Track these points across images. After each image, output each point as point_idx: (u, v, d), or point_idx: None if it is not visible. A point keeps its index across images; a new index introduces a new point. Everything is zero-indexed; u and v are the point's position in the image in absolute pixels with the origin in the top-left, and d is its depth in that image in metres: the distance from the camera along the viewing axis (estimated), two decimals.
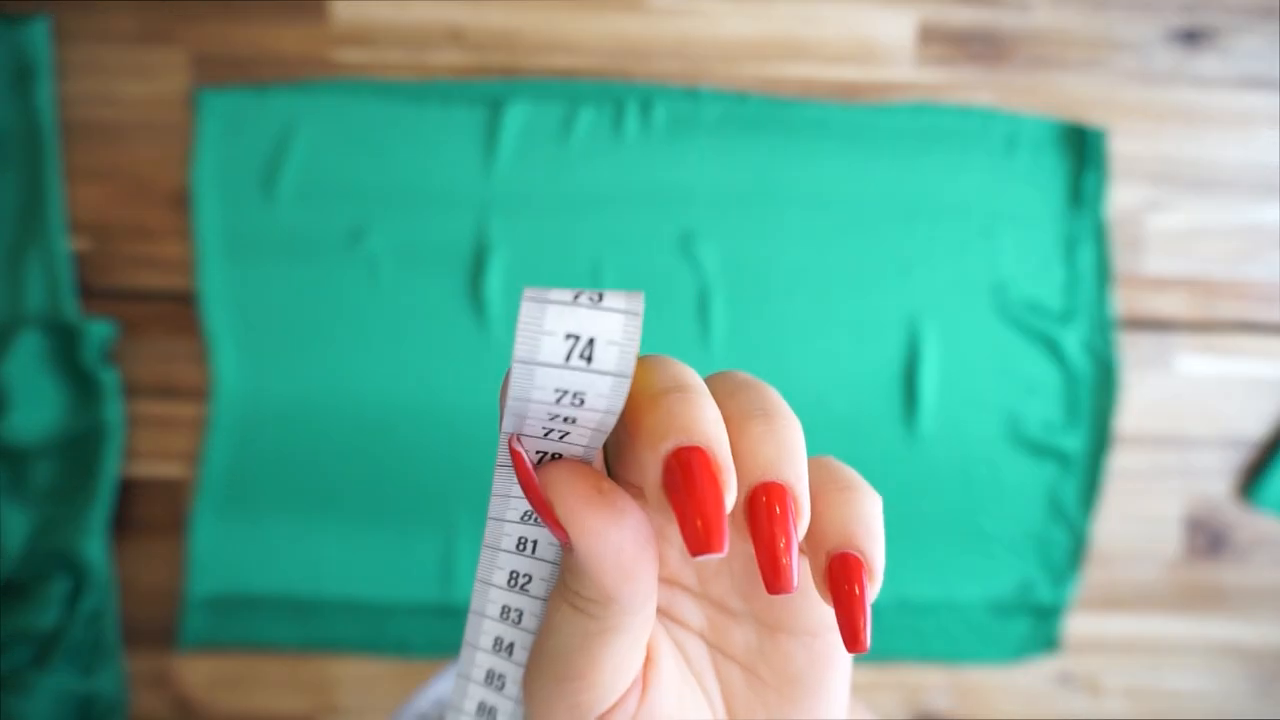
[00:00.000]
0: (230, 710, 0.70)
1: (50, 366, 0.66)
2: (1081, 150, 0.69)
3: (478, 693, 0.24)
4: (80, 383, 0.67)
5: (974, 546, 0.70)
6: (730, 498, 0.20)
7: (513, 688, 0.24)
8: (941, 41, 0.69)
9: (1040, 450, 0.69)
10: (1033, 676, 0.72)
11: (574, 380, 0.20)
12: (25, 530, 0.66)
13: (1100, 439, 0.70)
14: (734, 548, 0.22)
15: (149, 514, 0.69)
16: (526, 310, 0.19)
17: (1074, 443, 0.69)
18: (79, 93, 0.68)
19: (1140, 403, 0.71)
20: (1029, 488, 0.70)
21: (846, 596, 0.21)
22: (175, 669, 0.70)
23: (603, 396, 0.20)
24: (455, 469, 0.69)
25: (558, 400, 0.20)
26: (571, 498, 0.21)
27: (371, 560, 0.69)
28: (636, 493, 0.23)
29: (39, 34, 0.66)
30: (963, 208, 0.69)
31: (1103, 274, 0.69)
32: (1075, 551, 0.70)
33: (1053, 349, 0.69)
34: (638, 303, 0.20)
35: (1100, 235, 0.69)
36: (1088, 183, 0.69)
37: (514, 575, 0.23)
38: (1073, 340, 0.69)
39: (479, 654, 0.24)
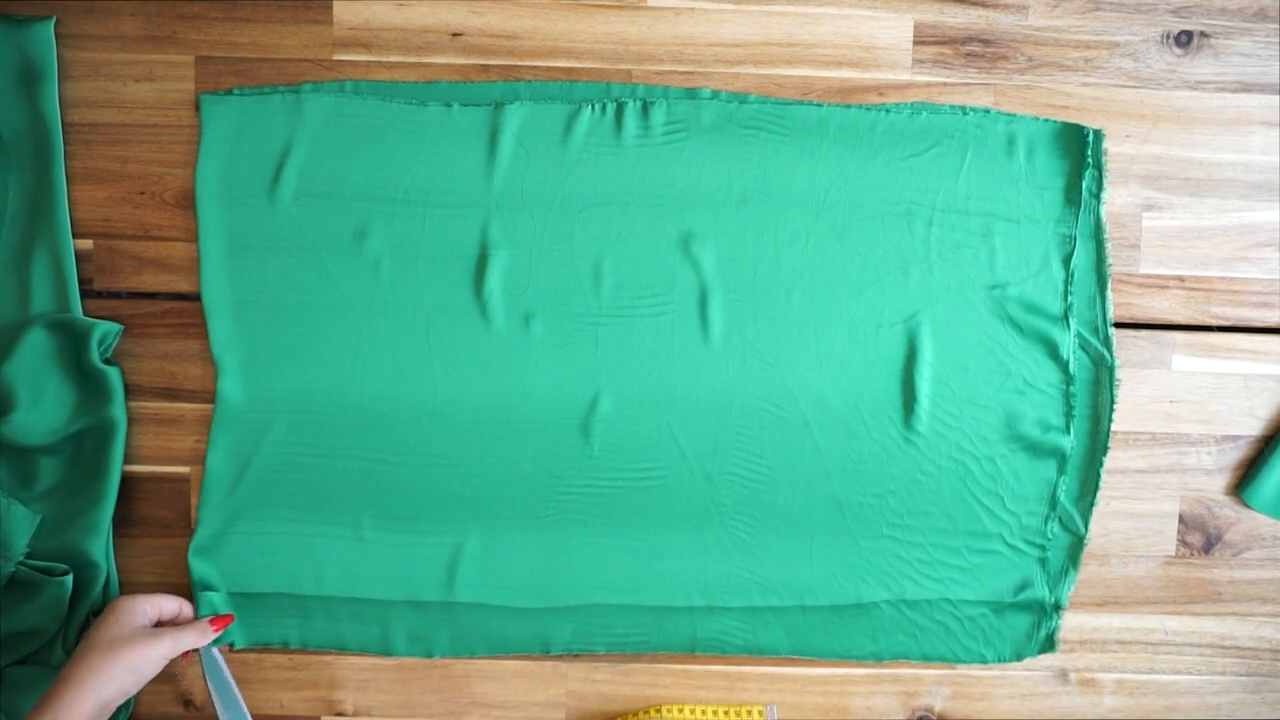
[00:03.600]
0: None
1: (56, 365, 0.67)
2: (1080, 150, 0.69)
3: None
4: (86, 381, 0.67)
5: (972, 545, 0.70)
6: None
7: None
8: (938, 43, 0.69)
9: (1038, 449, 0.70)
10: (1030, 674, 0.72)
11: None
12: (31, 527, 0.67)
13: (1097, 438, 0.70)
14: None
15: (151, 512, 0.70)
16: None
17: (1071, 442, 0.70)
18: (84, 95, 0.68)
19: (1135, 402, 0.71)
20: (1027, 487, 0.70)
21: None
22: (178, 666, 0.70)
23: None
24: (457, 467, 0.69)
25: None
26: None
27: (374, 559, 0.69)
28: None
29: (44, 36, 0.67)
30: (960, 208, 0.69)
31: (1100, 274, 0.70)
32: (1073, 550, 0.71)
33: (1050, 349, 0.70)
34: None
35: (1098, 235, 0.69)
36: (1086, 183, 0.69)
37: None
38: (1070, 340, 0.69)
39: None
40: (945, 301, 0.69)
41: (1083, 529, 0.70)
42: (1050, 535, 0.71)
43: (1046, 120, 0.69)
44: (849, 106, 0.69)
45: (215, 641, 0.66)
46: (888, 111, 0.69)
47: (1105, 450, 0.70)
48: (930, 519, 0.70)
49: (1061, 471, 0.70)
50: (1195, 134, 0.70)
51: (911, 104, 0.69)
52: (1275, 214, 0.70)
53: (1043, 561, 0.71)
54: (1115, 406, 0.70)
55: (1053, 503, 0.70)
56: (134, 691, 0.60)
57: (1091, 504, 0.70)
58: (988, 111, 0.69)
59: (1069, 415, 0.70)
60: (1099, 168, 0.69)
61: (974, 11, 0.69)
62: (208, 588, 0.68)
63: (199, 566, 0.68)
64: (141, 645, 0.60)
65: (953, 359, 0.69)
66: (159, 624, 0.64)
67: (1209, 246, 0.71)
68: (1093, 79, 0.70)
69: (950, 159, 0.69)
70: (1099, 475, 0.70)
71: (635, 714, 0.70)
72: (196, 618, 0.66)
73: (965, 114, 0.69)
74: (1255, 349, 0.71)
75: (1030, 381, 0.70)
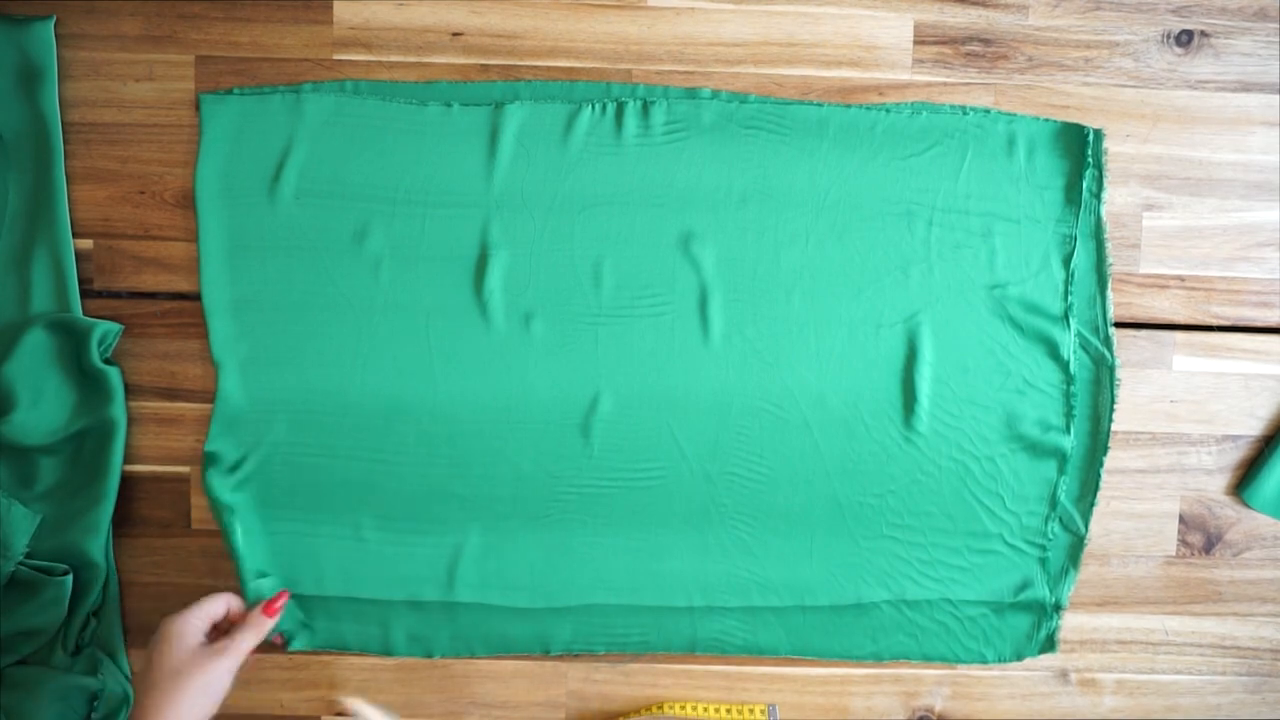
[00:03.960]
0: (232, 708, 0.71)
1: (56, 365, 0.67)
2: (1080, 150, 0.69)
3: None
4: (86, 381, 0.67)
5: (972, 545, 0.70)
6: None
7: None
8: (938, 43, 0.69)
9: (1038, 449, 0.70)
10: (1030, 674, 0.72)
11: None
12: (31, 527, 0.67)
13: (1098, 438, 0.70)
14: None
15: (151, 512, 0.70)
16: None
17: (1071, 442, 0.70)
18: (84, 94, 0.68)
19: (1135, 402, 0.71)
20: (1027, 487, 0.70)
21: None
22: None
23: None
24: (457, 467, 0.69)
25: None
26: None
27: (375, 559, 0.69)
28: None
29: (44, 36, 0.67)
30: (960, 208, 0.69)
31: (1100, 274, 0.69)
32: (1073, 550, 0.71)
33: (1050, 349, 0.70)
34: None
35: (1098, 235, 0.69)
36: (1086, 182, 0.69)
37: None
38: (1070, 340, 0.69)
39: None
40: (945, 301, 0.69)
41: (1083, 529, 0.70)
42: (1050, 535, 0.71)
43: (1047, 120, 0.69)
44: (849, 106, 0.69)
45: (274, 630, 0.63)
46: (888, 111, 0.69)
47: (1105, 450, 0.70)
48: (930, 519, 0.70)
49: (1062, 471, 0.70)
50: (1195, 134, 0.70)
51: (911, 104, 0.69)
52: (1275, 214, 0.70)
53: (1043, 561, 0.71)
54: (1115, 406, 0.70)
55: (1053, 503, 0.70)
56: (214, 712, 0.58)
57: (1092, 504, 0.70)
58: (988, 111, 0.69)
59: (1069, 415, 0.70)
60: (1099, 167, 0.69)
61: (974, 11, 0.69)
62: (260, 574, 0.67)
63: (249, 560, 0.67)
64: (205, 666, 0.58)
65: (953, 359, 0.69)
66: (215, 628, 0.62)
67: (1209, 246, 0.71)
68: (1093, 79, 0.70)
69: (950, 159, 0.69)
70: (1099, 475, 0.70)
71: (638, 712, 0.70)
72: (247, 608, 0.64)
73: (965, 114, 0.69)
74: (1255, 349, 0.71)
75: (1030, 381, 0.70)
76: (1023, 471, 0.70)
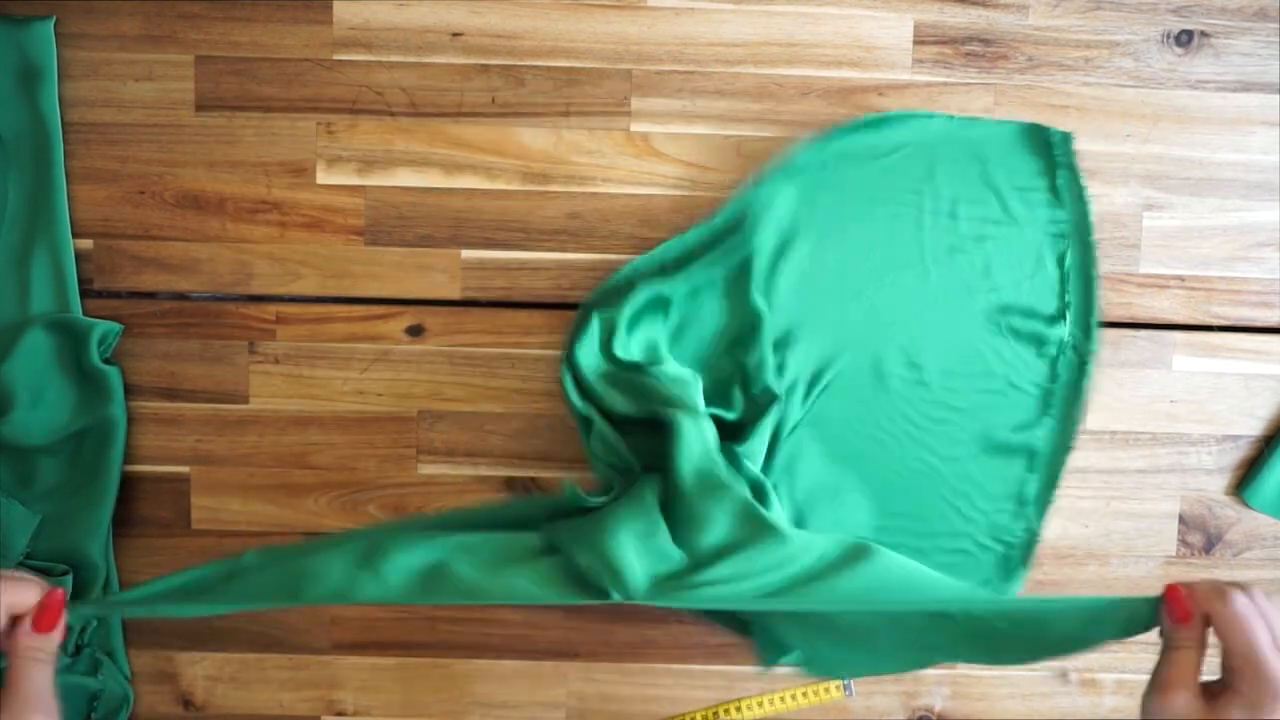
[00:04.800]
0: (232, 707, 0.71)
1: (56, 365, 0.67)
2: (1049, 152, 0.68)
3: None
4: (86, 381, 0.67)
5: (943, 545, 0.69)
6: None
7: None
8: (938, 43, 0.69)
9: (1009, 449, 0.69)
10: (1030, 674, 0.72)
11: None
12: (30, 528, 0.67)
13: (1066, 437, 0.68)
14: None
15: (151, 512, 0.70)
16: None
17: (1042, 440, 0.69)
18: (83, 94, 0.68)
19: (1135, 402, 0.71)
20: (996, 485, 0.69)
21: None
22: (178, 666, 0.70)
23: None
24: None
25: None
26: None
27: None
28: None
29: (44, 36, 0.67)
30: (949, 212, 0.68)
31: (1087, 274, 0.68)
32: (1027, 547, 0.70)
33: (1039, 349, 0.69)
34: None
35: (1084, 235, 0.68)
36: (1062, 183, 0.68)
37: None
38: (1059, 340, 0.68)
39: None
40: (938, 306, 0.69)
41: (1036, 525, 0.69)
42: (1016, 533, 0.69)
43: (1019, 123, 0.68)
44: (830, 127, 0.68)
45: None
46: (865, 124, 0.68)
47: (1069, 450, 0.68)
48: (903, 520, 0.69)
49: (1030, 470, 0.69)
50: (1195, 134, 0.70)
51: (882, 114, 0.68)
52: (1275, 214, 0.70)
53: (1006, 559, 0.70)
54: (1088, 405, 0.68)
55: (1020, 500, 0.69)
56: None
57: (1048, 501, 0.69)
58: (951, 118, 0.68)
59: (1045, 414, 0.68)
60: (1070, 168, 0.68)
61: (974, 11, 0.69)
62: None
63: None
64: None
65: (939, 364, 0.69)
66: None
67: (1209, 246, 0.71)
68: (1093, 79, 0.70)
69: (935, 165, 0.68)
70: (1058, 474, 0.69)
71: (705, 711, 0.70)
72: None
73: (949, 121, 0.68)
74: (1256, 349, 0.71)
75: (1014, 383, 0.69)
76: (992, 470, 0.69)
